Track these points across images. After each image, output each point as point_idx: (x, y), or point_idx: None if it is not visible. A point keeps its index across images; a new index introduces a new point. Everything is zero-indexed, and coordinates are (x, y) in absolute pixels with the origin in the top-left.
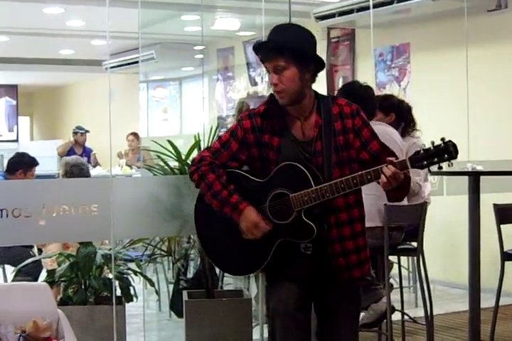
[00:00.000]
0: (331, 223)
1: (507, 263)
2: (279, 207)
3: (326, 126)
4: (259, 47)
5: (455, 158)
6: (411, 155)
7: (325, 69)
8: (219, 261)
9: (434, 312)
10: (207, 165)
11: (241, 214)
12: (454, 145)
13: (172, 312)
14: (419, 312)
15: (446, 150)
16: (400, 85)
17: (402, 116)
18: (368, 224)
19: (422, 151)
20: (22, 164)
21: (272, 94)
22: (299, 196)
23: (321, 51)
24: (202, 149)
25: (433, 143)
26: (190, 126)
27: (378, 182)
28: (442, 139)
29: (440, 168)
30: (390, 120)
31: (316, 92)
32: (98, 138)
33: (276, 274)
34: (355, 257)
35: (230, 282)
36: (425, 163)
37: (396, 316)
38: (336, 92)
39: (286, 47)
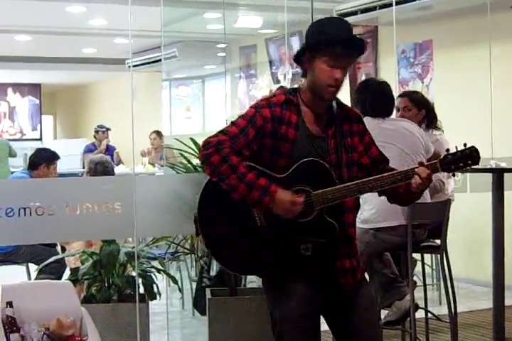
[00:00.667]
0: (340, 223)
1: None
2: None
3: (338, 125)
4: (343, 42)
5: (478, 164)
6: (440, 158)
7: None
8: (226, 260)
9: (458, 310)
10: (228, 147)
11: (273, 197)
12: (477, 152)
13: (195, 310)
14: (443, 310)
15: (471, 157)
16: (423, 82)
17: (431, 114)
18: (392, 223)
19: (449, 156)
20: (44, 158)
21: (282, 87)
22: (322, 194)
23: None
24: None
25: (457, 147)
26: (213, 124)
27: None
28: (465, 145)
29: (463, 172)
30: (421, 116)
31: None
32: (121, 136)
33: (279, 278)
34: (356, 259)
35: (253, 280)
36: (452, 167)
37: (420, 314)
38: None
39: (363, 49)
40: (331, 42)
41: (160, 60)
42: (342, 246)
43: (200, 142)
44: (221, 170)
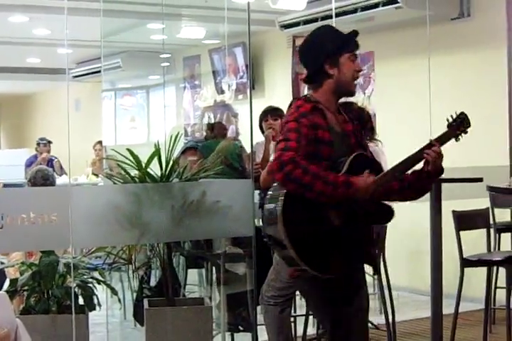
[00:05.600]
0: None
1: (469, 270)
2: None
3: (351, 123)
4: (356, 35)
5: (470, 125)
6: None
7: (290, 77)
8: (319, 264)
9: (399, 319)
10: (302, 159)
11: (356, 185)
12: (467, 115)
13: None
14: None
15: (467, 121)
16: (364, 93)
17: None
18: None
19: (453, 124)
20: None
21: (306, 96)
22: (378, 180)
23: (287, 59)
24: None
25: (448, 119)
26: (157, 135)
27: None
28: (456, 113)
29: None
30: None
31: None
32: (65, 146)
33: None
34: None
35: (194, 290)
36: (459, 132)
37: None
38: None
39: None
40: (350, 39)
41: (108, 69)
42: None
43: (144, 152)
44: (306, 180)
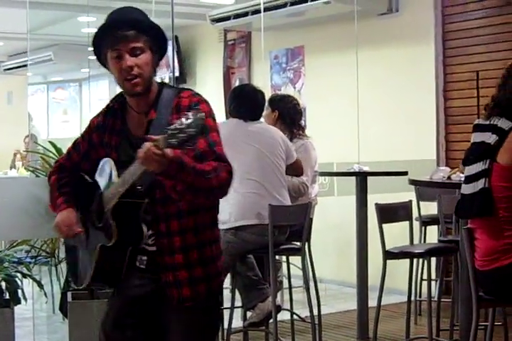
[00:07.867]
0: (163, 232)
1: (396, 262)
2: (97, 208)
3: (158, 120)
4: (115, 26)
5: (201, 132)
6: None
7: (222, 71)
8: (72, 272)
9: (326, 311)
10: (56, 166)
11: (58, 213)
12: (202, 118)
13: None
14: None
15: (191, 125)
16: (294, 87)
17: (287, 117)
18: (250, 222)
19: (168, 131)
20: None
21: (118, 94)
22: (105, 194)
23: (218, 53)
24: None
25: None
26: None
27: None
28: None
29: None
30: (275, 117)
31: (162, 84)
32: None
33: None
34: (186, 273)
35: None
36: (174, 141)
37: (287, 315)
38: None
39: (149, 28)
40: (102, 31)
41: (40, 62)
42: (166, 257)
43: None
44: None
